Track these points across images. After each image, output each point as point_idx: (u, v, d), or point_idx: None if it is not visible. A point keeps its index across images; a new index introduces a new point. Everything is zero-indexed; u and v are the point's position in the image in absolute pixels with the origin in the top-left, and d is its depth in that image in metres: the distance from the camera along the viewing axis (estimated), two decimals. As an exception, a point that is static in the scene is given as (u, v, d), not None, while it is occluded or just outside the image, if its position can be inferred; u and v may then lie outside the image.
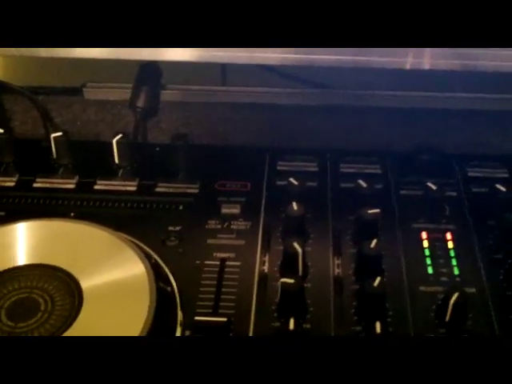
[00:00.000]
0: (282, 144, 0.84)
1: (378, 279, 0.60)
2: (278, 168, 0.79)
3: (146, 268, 0.63)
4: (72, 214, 0.72)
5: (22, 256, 0.65)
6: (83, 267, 0.64)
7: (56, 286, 0.62)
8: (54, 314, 0.59)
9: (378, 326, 0.56)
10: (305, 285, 0.63)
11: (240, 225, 0.71)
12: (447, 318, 0.60)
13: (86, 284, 0.62)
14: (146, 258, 0.65)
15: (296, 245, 0.64)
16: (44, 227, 0.68)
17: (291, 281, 0.60)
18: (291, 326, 0.56)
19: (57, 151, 0.78)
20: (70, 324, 0.58)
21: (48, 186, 0.76)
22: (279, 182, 0.77)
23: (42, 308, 0.60)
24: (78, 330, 0.58)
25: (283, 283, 0.61)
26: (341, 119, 0.87)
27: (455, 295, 0.59)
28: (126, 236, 0.68)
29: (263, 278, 0.65)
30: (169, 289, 0.64)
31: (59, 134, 0.77)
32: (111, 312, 0.60)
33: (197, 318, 0.59)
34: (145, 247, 0.68)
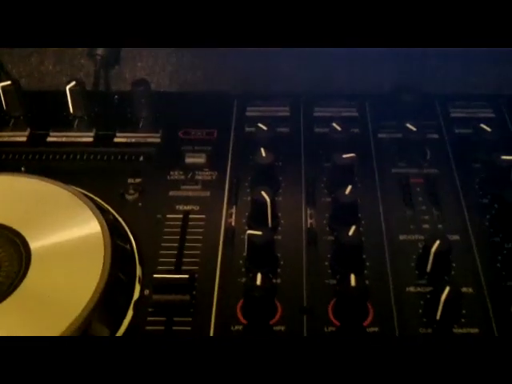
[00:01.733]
0: (252, 89, 0.78)
1: (353, 228, 0.55)
2: (247, 114, 0.74)
3: (101, 225, 0.58)
4: (23, 169, 0.67)
5: (-35, 214, 0.59)
6: (33, 225, 0.58)
7: (2, 245, 0.57)
8: (0, 275, 0.54)
9: (352, 278, 0.51)
10: (275, 237, 0.58)
11: (205, 175, 0.66)
12: (429, 268, 0.55)
13: (35, 244, 0.57)
14: (103, 213, 0.59)
15: (264, 194, 0.58)
16: (-9, 183, 0.62)
17: (259, 233, 0.56)
18: (258, 280, 0.51)
19: (6, 101, 0.72)
20: (17, 286, 0.53)
21: (-2, 139, 0.70)
22: (248, 129, 0.71)
23: (-14, 270, 0.55)
24: (25, 291, 0.53)
25: (250, 235, 0.56)
26: (315, 61, 0.81)
27: (436, 243, 0.54)
28: (81, 191, 0.63)
29: (230, 231, 0.60)
30: (127, 246, 0.59)
31: (8, 83, 0.71)
32: (63, 273, 0.55)
33: (156, 275, 0.54)
34: (102, 202, 0.63)
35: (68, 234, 0.58)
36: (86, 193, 0.63)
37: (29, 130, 0.70)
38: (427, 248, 0.55)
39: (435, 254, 0.54)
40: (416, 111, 0.72)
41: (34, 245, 0.57)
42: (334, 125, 0.67)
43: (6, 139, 0.70)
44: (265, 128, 0.67)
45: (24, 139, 0.70)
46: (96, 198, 0.63)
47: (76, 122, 0.71)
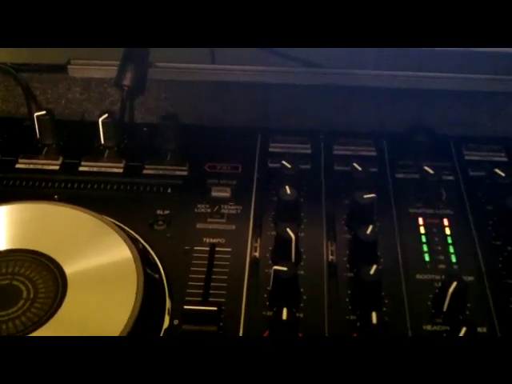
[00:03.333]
0: (274, 124, 0.81)
1: (373, 267, 0.58)
2: (270, 149, 0.77)
3: (132, 253, 0.60)
4: (56, 197, 0.69)
5: (2, 241, 0.62)
6: (67, 252, 0.61)
7: (39, 272, 0.59)
8: (37, 302, 0.57)
9: (373, 316, 0.54)
10: (298, 272, 0.61)
11: (230, 209, 0.68)
12: (445, 307, 0.58)
13: (69, 270, 0.59)
14: (133, 242, 0.62)
15: (289, 230, 0.61)
16: (26, 210, 0.65)
17: (284, 268, 0.58)
18: (284, 315, 0.54)
19: (40, 131, 0.75)
20: (54, 312, 0.56)
21: (31, 167, 0.73)
22: (271, 165, 0.74)
23: (25, 296, 0.57)
24: (61, 318, 0.56)
25: (276, 271, 0.58)
26: (333, 99, 0.84)
27: (453, 284, 0.57)
28: (111, 220, 0.65)
29: (254, 264, 0.63)
30: (156, 275, 0.61)
31: (43, 112, 0.74)
32: (96, 299, 0.57)
33: (186, 306, 0.57)
34: (131, 232, 0.65)
35: (101, 260, 0.60)
36: (115, 222, 0.66)
37: (61, 158, 0.73)
38: (444, 288, 0.58)
39: (452, 294, 0.57)
40: (431, 152, 0.75)
41: (69, 271, 0.59)
42: (355, 164, 0.70)
43: (39, 167, 0.73)
44: (288, 165, 0.70)
45: (56, 168, 0.72)
46: (125, 228, 0.66)
47: (107, 153, 0.74)
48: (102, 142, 0.75)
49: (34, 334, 0.54)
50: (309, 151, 0.76)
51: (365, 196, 0.65)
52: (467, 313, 0.59)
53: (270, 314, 0.58)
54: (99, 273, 0.60)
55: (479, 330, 0.57)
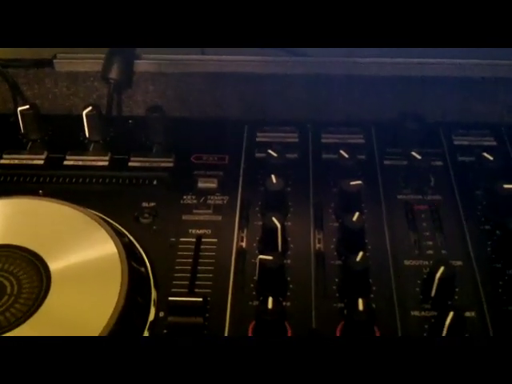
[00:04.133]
0: (262, 115, 0.81)
1: (360, 254, 0.57)
2: (257, 140, 0.76)
3: (117, 247, 0.60)
4: (40, 192, 0.69)
5: (-14, 236, 0.61)
6: (51, 247, 0.61)
7: (23, 267, 0.59)
8: (21, 297, 0.56)
9: (360, 303, 0.53)
10: (284, 261, 0.61)
11: (217, 200, 0.68)
12: (433, 292, 0.57)
13: (54, 265, 0.59)
14: (118, 236, 0.62)
15: (275, 220, 0.61)
16: (10, 205, 0.65)
17: (270, 258, 0.58)
18: (270, 304, 0.54)
19: (24, 125, 0.74)
20: (37, 308, 0.56)
21: (16, 162, 0.72)
22: (258, 155, 0.74)
23: (8, 291, 0.57)
24: (45, 313, 0.55)
25: (262, 260, 0.58)
26: (322, 88, 0.84)
27: (441, 269, 0.57)
28: (97, 213, 0.65)
29: (241, 254, 0.63)
30: (142, 268, 0.61)
31: (26, 107, 0.74)
32: (81, 294, 0.57)
33: (171, 298, 0.56)
34: (117, 225, 0.65)
35: (86, 255, 0.60)
36: (101, 215, 0.65)
37: (46, 153, 0.73)
38: (432, 274, 0.57)
39: (440, 279, 0.57)
40: (420, 138, 0.74)
41: (53, 266, 0.59)
42: (342, 152, 0.69)
43: (23, 162, 0.72)
44: (275, 154, 0.69)
45: (41, 162, 0.72)
46: (111, 221, 0.65)
47: (92, 146, 0.74)
48: (87, 135, 0.74)
49: (18, 330, 0.54)
50: (296, 140, 0.76)
51: (351, 183, 0.65)
52: (456, 298, 0.58)
53: (256, 303, 0.57)
54: (84, 267, 0.59)
55: (468, 314, 0.57)
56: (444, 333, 0.53)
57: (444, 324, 0.53)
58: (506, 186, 0.65)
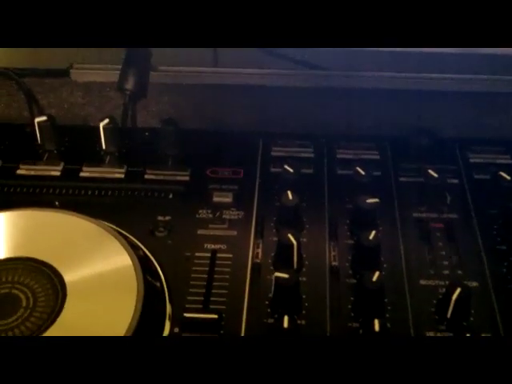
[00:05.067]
0: (276, 127, 0.81)
1: (376, 274, 0.57)
2: (272, 154, 0.76)
3: (132, 260, 0.60)
4: (57, 203, 0.69)
5: (2, 248, 0.61)
6: (67, 260, 0.61)
7: (38, 280, 0.59)
8: (37, 311, 0.56)
9: (376, 323, 0.53)
10: (299, 278, 0.60)
11: (232, 214, 0.68)
12: (449, 314, 0.57)
13: (69, 278, 0.59)
14: (133, 249, 0.62)
15: (291, 237, 0.61)
16: (26, 217, 0.65)
17: (285, 275, 0.58)
18: (285, 323, 0.54)
19: (41, 136, 0.74)
20: (53, 321, 0.56)
21: (32, 173, 0.72)
22: (273, 169, 0.73)
23: (24, 304, 0.57)
24: (61, 326, 0.55)
25: (277, 278, 0.58)
26: (335, 101, 0.84)
27: (457, 291, 0.56)
28: (112, 226, 0.65)
29: (256, 270, 0.62)
30: (157, 283, 0.61)
31: (43, 118, 0.74)
32: (96, 307, 0.57)
33: (186, 314, 0.56)
34: (132, 238, 0.65)
35: (100, 268, 0.60)
36: (116, 228, 0.65)
37: (62, 164, 0.73)
38: (448, 295, 0.57)
39: (456, 301, 0.56)
40: (436, 155, 0.74)
41: (68, 279, 0.59)
42: (358, 168, 0.69)
43: (40, 173, 0.72)
44: (291, 170, 0.69)
45: (58, 173, 0.72)
46: (126, 234, 0.65)
47: (108, 158, 0.74)
48: (104, 147, 0.74)
49: (33, 343, 0.54)
50: (311, 155, 0.76)
51: (368, 201, 0.65)
52: (471, 319, 0.58)
53: (271, 321, 0.57)
54: (99, 280, 0.59)
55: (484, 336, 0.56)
56: (460, 355, 0.53)
57: (460, 346, 0.53)
58: (521, 205, 0.64)
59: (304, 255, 0.64)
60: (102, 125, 0.73)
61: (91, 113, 0.92)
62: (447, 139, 0.76)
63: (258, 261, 0.63)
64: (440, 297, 0.59)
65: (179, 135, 0.75)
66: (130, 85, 0.85)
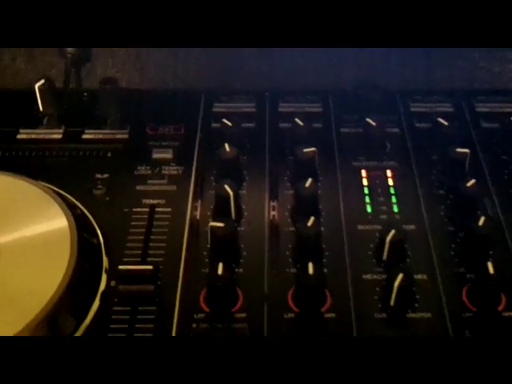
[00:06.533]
0: (218, 85, 0.80)
1: (311, 219, 0.57)
2: (214, 110, 0.75)
3: (68, 220, 0.59)
4: (-7, 166, 0.68)
5: None
6: (2, 221, 0.60)
7: (-29, 240, 0.58)
8: (-34, 271, 0.56)
9: (310, 266, 0.53)
10: (239, 229, 0.60)
11: (172, 170, 0.67)
12: (385, 256, 0.57)
13: (2, 238, 0.58)
14: (71, 208, 0.61)
15: (227, 187, 0.60)
16: (-40, 179, 0.64)
17: (221, 224, 0.57)
18: (220, 270, 0.53)
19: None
20: (-18, 281, 0.55)
21: (-31, 136, 0.71)
22: (215, 125, 0.73)
23: (-42, 265, 0.56)
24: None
25: (212, 227, 0.57)
26: (280, 57, 0.83)
27: (392, 233, 0.57)
28: (50, 186, 0.64)
29: (195, 224, 0.62)
30: (94, 239, 0.60)
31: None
32: (30, 266, 0.56)
33: (121, 266, 0.56)
34: (70, 197, 0.64)
35: (36, 228, 0.59)
36: (54, 188, 0.64)
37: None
38: (383, 237, 0.57)
39: (390, 242, 0.57)
40: (378, 106, 0.74)
41: (2, 240, 0.58)
42: (297, 120, 0.69)
43: (-23, 136, 0.71)
44: (230, 124, 0.69)
45: (-5, 137, 0.71)
46: (64, 194, 0.64)
47: (45, 120, 0.73)
48: (41, 108, 0.73)
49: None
50: (254, 110, 0.75)
51: (305, 150, 0.64)
52: (408, 261, 0.58)
53: (207, 270, 0.57)
54: (34, 240, 0.58)
55: (419, 277, 0.57)
56: (393, 295, 0.53)
57: (393, 286, 0.53)
58: (458, 150, 0.65)
59: (244, 207, 0.63)
60: (37, 85, 0.72)
61: (34, 79, 0.90)
62: (389, 91, 0.76)
63: (197, 214, 0.63)
64: (377, 240, 0.59)
65: (118, 94, 0.73)
66: (70, 48, 0.83)
